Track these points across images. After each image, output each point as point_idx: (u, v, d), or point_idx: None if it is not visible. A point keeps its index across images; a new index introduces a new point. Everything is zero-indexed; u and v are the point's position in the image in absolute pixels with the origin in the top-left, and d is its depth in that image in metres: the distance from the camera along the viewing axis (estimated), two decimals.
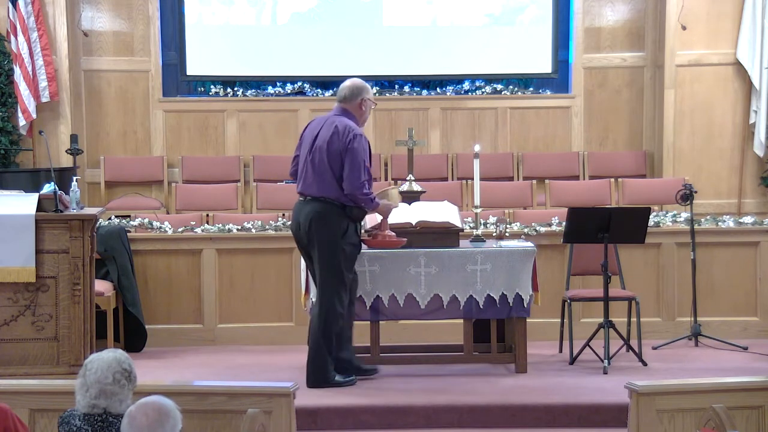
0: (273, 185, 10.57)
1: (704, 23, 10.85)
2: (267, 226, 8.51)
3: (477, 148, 7.68)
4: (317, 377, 6.82)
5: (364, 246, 7.04)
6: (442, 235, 7.24)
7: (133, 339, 8.15)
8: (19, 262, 6.78)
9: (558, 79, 11.44)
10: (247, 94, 11.32)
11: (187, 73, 11.28)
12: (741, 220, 8.65)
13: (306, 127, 7.13)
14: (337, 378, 6.86)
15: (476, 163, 7.53)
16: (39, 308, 6.84)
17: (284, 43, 11.30)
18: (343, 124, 6.86)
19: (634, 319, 7.70)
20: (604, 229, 7.36)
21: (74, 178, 7.42)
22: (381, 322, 7.30)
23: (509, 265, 7.18)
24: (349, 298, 6.95)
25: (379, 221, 7.07)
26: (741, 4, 10.76)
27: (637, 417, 4.99)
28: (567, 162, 11.07)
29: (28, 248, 6.77)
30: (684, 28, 10.77)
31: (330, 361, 6.85)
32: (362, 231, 7.04)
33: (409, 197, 7.57)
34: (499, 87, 11.38)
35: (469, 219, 8.19)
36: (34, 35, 10.50)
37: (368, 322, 7.29)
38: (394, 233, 7.06)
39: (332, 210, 6.81)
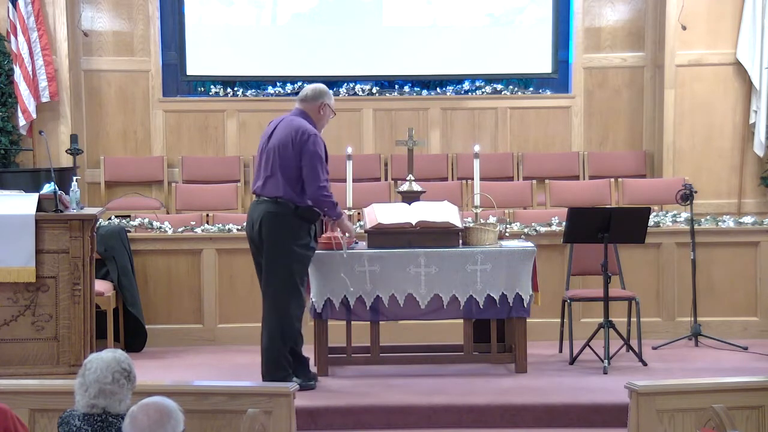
0: None
1: (704, 23, 10.85)
2: None
3: (476, 148, 7.68)
4: (272, 377, 6.72)
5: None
6: (442, 235, 7.24)
7: (133, 339, 8.15)
8: (19, 262, 6.78)
9: (558, 79, 11.43)
10: (247, 94, 11.32)
11: (187, 73, 11.28)
12: (741, 220, 8.64)
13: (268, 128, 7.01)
14: (295, 380, 6.63)
15: (476, 163, 7.53)
16: (39, 308, 6.84)
17: (284, 43, 11.29)
18: (298, 124, 6.80)
19: (634, 319, 7.70)
20: (604, 229, 7.36)
21: (74, 178, 7.43)
22: (381, 322, 7.29)
23: (509, 265, 7.18)
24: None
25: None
26: (741, 4, 10.75)
27: (637, 417, 5.00)
28: (567, 162, 11.07)
29: (28, 248, 6.77)
30: (684, 28, 10.76)
31: (285, 360, 6.75)
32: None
33: (409, 197, 7.57)
34: (499, 87, 11.37)
35: (469, 219, 8.20)
36: (34, 35, 10.50)
37: (368, 323, 7.29)
38: (340, 236, 7.00)
39: (285, 210, 6.74)
